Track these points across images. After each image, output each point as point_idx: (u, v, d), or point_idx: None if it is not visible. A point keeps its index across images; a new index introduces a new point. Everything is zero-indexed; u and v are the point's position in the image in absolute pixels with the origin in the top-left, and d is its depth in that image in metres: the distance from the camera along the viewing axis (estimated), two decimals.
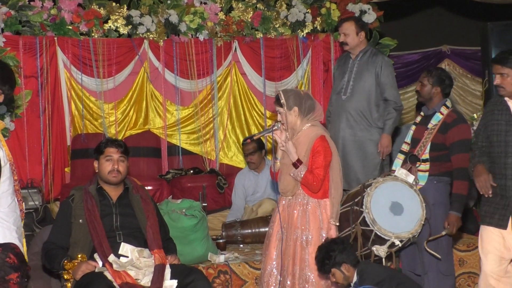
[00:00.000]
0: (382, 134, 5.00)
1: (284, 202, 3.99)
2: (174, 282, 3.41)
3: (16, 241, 3.66)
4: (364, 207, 3.96)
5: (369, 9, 6.74)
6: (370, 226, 3.92)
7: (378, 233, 3.91)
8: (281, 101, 3.88)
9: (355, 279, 3.58)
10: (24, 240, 3.82)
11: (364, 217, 3.95)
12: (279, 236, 3.94)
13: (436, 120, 4.17)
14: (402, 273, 3.89)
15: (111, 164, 3.67)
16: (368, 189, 4.01)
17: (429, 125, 4.18)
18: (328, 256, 3.58)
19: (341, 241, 3.69)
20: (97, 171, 3.74)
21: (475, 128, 6.55)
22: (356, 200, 4.09)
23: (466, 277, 4.88)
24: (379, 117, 5.02)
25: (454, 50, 9.03)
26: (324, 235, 3.88)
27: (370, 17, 6.73)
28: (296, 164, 3.80)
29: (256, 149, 5.71)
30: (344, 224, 4.15)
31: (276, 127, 3.90)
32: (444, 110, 4.17)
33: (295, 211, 3.91)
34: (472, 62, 8.97)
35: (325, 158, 3.83)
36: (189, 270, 3.55)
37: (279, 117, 3.93)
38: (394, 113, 4.99)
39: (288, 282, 3.83)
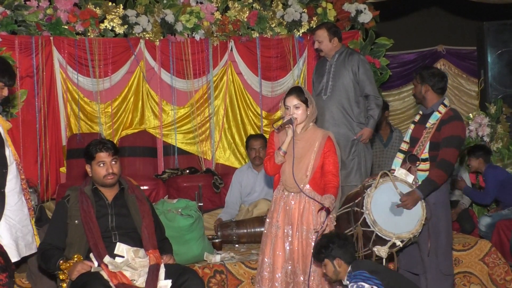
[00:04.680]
0: (366, 127, 5.21)
1: (286, 199, 3.96)
2: (169, 282, 3.41)
3: (20, 240, 3.69)
4: (364, 208, 3.95)
5: (365, 8, 6.76)
6: (371, 227, 3.92)
7: (379, 234, 3.92)
8: (306, 96, 3.91)
9: (346, 277, 3.58)
10: (37, 237, 3.83)
11: (364, 218, 3.94)
12: (286, 234, 3.93)
13: (434, 119, 4.14)
14: (397, 273, 3.87)
15: (104, 169, 3.65)
16: (368, 190, 4.00)
17: (427, 124, 4.16)
18: (326, 246, 3.59)
19: (344, 237, 3.68)
20: (90, 175, 3.73)
21: (471, 127, 6.61)
22: (356, 201, 4.08)
23: (461, 277, 4.88)
24: (360, 112, 5.25)
25: (449, 50, 9.07)
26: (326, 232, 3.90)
27: (366, 16, 6.75)
28: (327, 208, 3.78)
29: (264, 145, 5.68)
30: (345, 224, 4.15)
31: (292, 119, 3.89)
32: (442, 108, 4.15)
33: (301, 207, 3.91)
34: (467, 62, 9.01)
35: (337, 155, 3.95)
36: (183, 270, 3.55)
37: (290, 111, 3.91)
38: (376, 108, 5.24)
39: (302, 278, 3.84)
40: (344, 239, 3.65)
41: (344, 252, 3.60)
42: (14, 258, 3.73)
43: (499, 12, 7.92)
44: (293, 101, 3.91)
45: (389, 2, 7.08)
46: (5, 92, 3.72)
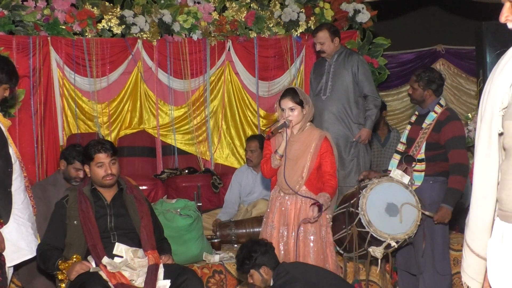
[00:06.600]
0: (363, 128, 5.24)
1: (282, 199, 3.96)
2: (167, 282, 3.41)
3: (32, 237, 3.70)
4: (359, 209, 3.95)
5: (363, 8, 6.75)
6: (366, 228, 3.92)
7: (373, 234, 3.92)
8: (301, 98, 3.89)
9: (272, 282, 3.55)
10: (38, 235, 3.84)
11: (360, 218, 3.94)
12: (281, 234, 3.92)
13: (430, 119, 4.15)
14: (323, 270, 3.75)
15: (103, 170, 3.64)
16: (364, 190, 4.00)
17: (424, 125, 4.17)
18: (249, 256, 3.57)
19: (264, 243, 3.65)
20: (89, 175, 3.72)
21: (469, 127, 6.60)
22: (352, 201, 4.08)
23: (460, 277, 4.86)
24: (359, 113, 5.28)
25: (448, 50, 9.05)
26: (323, 232, 3.88)
27: (364, 16, 6.74)
28: (320, 205, 3.75)
29: (258, 148, 5.67)
30: (340, 225, 4.14)
31: (286, 123, 3.88)
32: (438, 109, 4.16)
33: (297, 208, 3.90)
34: (466, 61, 8.99)
35: (334, 156, 3.95)
36: (182, 270, 3.55)
37: (286, 114, 3.90)
38: (374, 109, 5.27)
39: None
40: (264, 245, 3.61)
41: (268, 259, 3.56)
42: (27, 256, 3.73)
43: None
44: (288, 103, 3.90)
45: (387, 1, 7.07)
46: (7, 93, 3.75)
